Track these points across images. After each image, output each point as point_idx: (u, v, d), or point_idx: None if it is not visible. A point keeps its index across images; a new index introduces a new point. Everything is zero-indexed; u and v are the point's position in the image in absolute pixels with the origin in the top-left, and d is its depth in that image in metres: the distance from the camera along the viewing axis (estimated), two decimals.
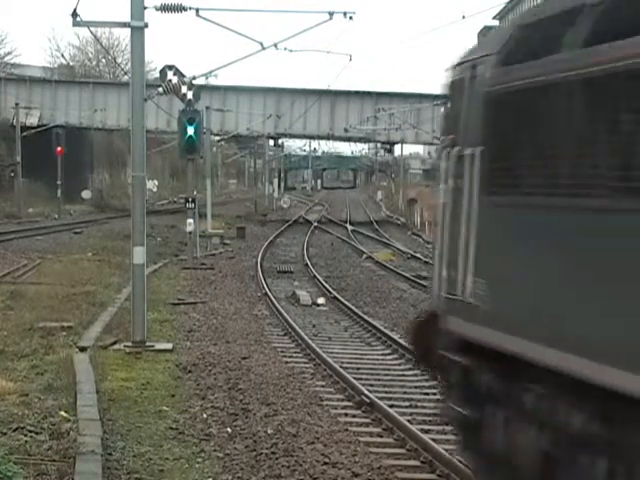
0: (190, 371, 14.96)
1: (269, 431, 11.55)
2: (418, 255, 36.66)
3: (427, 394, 13.77)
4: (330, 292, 25.11)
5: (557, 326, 6.44)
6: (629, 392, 5.55)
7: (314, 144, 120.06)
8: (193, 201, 32.24)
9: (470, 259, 7.94)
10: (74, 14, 16.67)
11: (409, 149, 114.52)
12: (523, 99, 7.10)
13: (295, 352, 17.12)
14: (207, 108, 45.12)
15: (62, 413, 11.36)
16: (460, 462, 9.59)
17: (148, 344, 16.68)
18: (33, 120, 63.64)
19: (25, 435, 10.40)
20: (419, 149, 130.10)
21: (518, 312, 7.11)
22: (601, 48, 6.08)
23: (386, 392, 13.87)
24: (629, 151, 5.76)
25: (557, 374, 6.42)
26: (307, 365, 15.93)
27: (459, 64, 8.54)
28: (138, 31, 16.71)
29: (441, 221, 8.78)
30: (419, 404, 13.23)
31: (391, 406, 12.67)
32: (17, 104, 60.54)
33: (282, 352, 16.97)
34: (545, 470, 6.83)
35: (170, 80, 20.32)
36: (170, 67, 20.91)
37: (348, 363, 15.97)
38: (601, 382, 5.80)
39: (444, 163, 8.63)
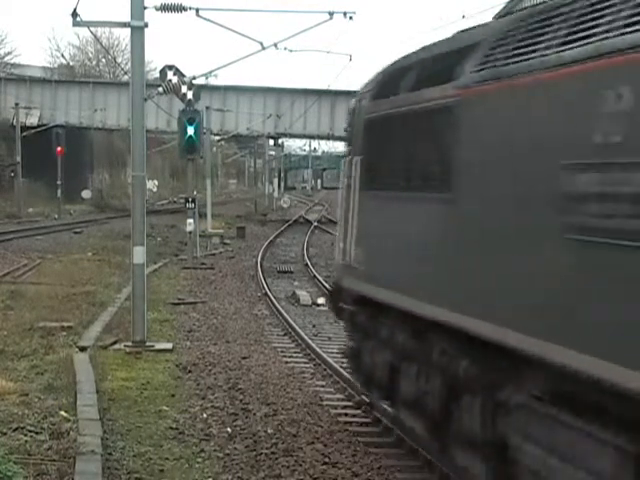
0: (190, 371, 14.96)
1: (269, 431, 11.55)
2: None
3: None
4: None
5: (401, 279, 9.63)
6: (430, 318, 8.73)
7: (314, 144, 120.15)
8: (193, 201, 32.25)
9: (354, 235, 11.15)
10: (74, 14, 16.68)
11: None
12: (381, 125, 10.41)
13: (295, 352, 17.13)
14: (207, 108, 45.15)
15: (62, 413, 11.37)
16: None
17: (148, 344, 16.69)
18: (33, 120, 63.66)
19: (25, 435, 10.40)
20: None
21: (380, 271, 10.30)
22: (417, 93, 9.42)
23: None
24: (431, 161, 8.94)
25: (399, 312, 9.72)
26: (307, 365, 15.94)
27: (355, 97, 11.92)
28: (138, 31, 16.71)
29: (340, 209, 12.10)
30: None
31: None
32: (17, 104, 60.57)
33: (282, 352, 16.98)
34: (390, 376, 10.38)
35: (170, 80, 20.33)
36: (170, 67, 20.91)
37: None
38: (418, 313, 9.09)
39: (344, 167, 12.03)
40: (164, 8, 18.38)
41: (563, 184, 6.57)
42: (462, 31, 9.66)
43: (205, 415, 12.24)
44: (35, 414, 11.27)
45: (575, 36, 6.76)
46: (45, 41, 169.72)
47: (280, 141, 78.32)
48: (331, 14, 21.27)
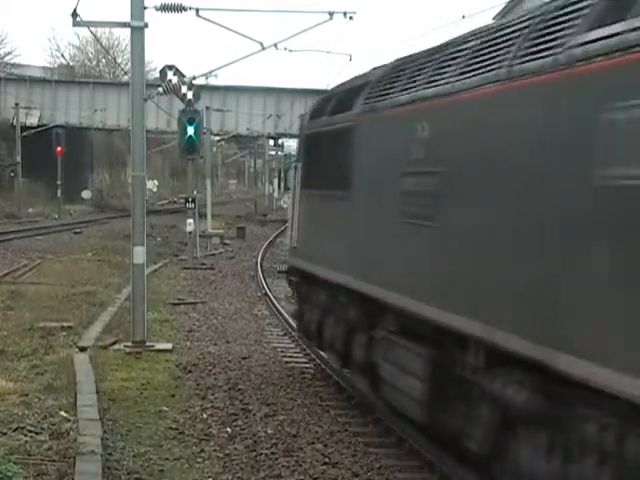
0: (190, 371, 14.96)
1: (269, 431, 11.55)
2: None
3: None
4: None
5: (321, 256, 13.01)
6: (336, 282, 12.19)
7: None
8: (193, 201, 32.26)
9: (296, 222, 14.76)
10: (74, 14, 16.68)
11: None
12: (312, 139, 14.10)
13: (295, 352, 17.13)
14: (207, 108, 45.14)
15: (62, 413, 11.37)
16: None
17: (148, 344, 16.69)
18: (33, 120, 63.66)
19: (25, 435, 10.40)
20: None
21: (310, 251, 13.76)
22: (332, 117, 12.88)
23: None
24: (338, 167, 12.18)
25: (321, 280, 13.08)
26: (307, 365, 15.93)
27: (301, 115, 16.07)
28: (138, 31, 16.72)
29: (290, 204, 16.31)
30: None
31: None
32: (17, 104, 60.56)
33: (282, 352, 16.98)
34: (318, 327, 13.78)
35: (170, 80, 20.32)
36: (170, 67, 20.91)
37: None
38: (332, 280, 12.36)
39: (293, 171, 16.45)
40: (164, 8, 18.39)
41: (401, 185, 9.91)
42: (370, 69, 12.83)
43: (205, 415, 12.24)
44: (35, 414, 11.27)
45: (406, 86, 10.22)
46: (45, 41, 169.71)
47: (280, 141, 78.28)
48: (331, 14, 21.26)
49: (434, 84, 9.34)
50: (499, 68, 7.87)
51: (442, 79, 9.23)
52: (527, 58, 7.43)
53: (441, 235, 8.91)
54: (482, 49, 8.57)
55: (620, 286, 6.09)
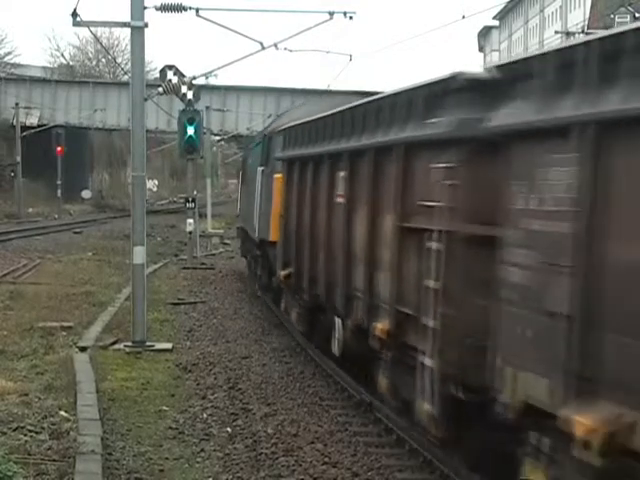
0: (190, 371, 14.96)
1: (269, 431, 11.55)
2: None
3: None
4: None
5: (243, 218, 27.59)
6: (243, 227, 28.73)
7: None
8: (193, 201, 32.26)
9: (238, 201, 32.51)
10: (74, 14, 16.68)
11: None
12: (243, 159, 33.49)
13: (295, 352, 17.11)
14: (207, 108, 45.12)
15: (62, 413, 11.36)
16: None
17: (148, 344, 16.68)
18: (33, 120, 63.66)
19: (25, 435, 10.40)
20: None
21: (240, 215, 29.55)
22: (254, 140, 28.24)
23: None
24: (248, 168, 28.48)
25: (242, 228, 28.11)
26: (307, 365, 15.92)
27: (261, 131, 28.16)
28: (138, 31, 16.71)
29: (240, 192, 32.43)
30: None
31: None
32: (17, 104, 60.57)
33: (282, 352, 16.97)
34: (243, 248, 29.48)
35: (170, 80, 20.30)
36: (170, 67, 20.89)
37: None
38: (242, 226, 28.48)
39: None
40: (164, 8, 18.38)
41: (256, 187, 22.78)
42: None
43: (205, 415, 12.24)
44: (35, 414, 11.26)
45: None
46: (45, 41, 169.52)
47: None
48: (331, 14, 21.26)
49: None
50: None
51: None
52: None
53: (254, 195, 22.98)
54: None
55: None
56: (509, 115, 7.81)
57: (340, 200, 12.82)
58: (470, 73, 8.91)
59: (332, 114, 13.84)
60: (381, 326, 10.61)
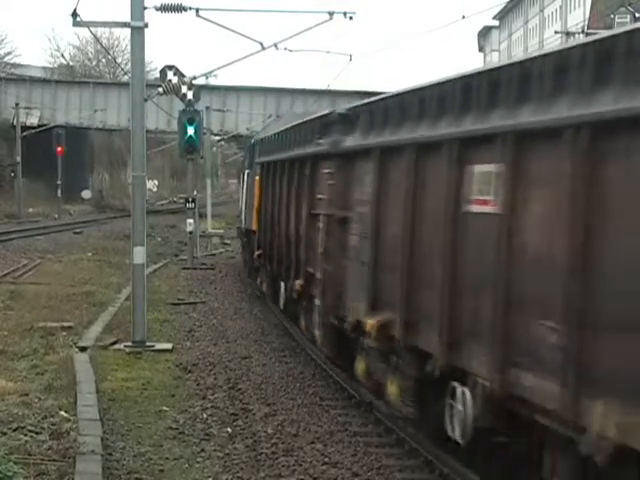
0: (190, 371, 14.96)
1: (269, 431, 11.55)
2: None
3: None
4: None
5: (242, 215, 28.60)
6: (244, 227, 29.37)
7: None
8: (193, 201, 32.27)
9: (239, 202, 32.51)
10: (74, 14, 16.69)
11: None
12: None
13: (295, 352, 17.12)
14: (207, 108, 45.10)
15: (62, 413, 11.37)
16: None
17: (148, 344, 16.69)
18: (33, 120, 63.66)
19: (25, 435, 10.40)
20: None
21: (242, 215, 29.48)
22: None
23: None
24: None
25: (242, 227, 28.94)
26: (307, 365, 15.93)
27: (248, 139, 38.11)
28: (138, 31, 16.72)
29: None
30: None
31: None
32: (17, 104, 60.57)
33: (282, 352, 16.98)
34: (243, 242, 29.97)
35: (170, 80, 20.30)
36: (170, 67, 20.88)
37: None
38: (242, 226, 29.54)
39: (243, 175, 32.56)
40: (164, 8, 18.39)
41: (245, 187, 27.81)
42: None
43: (205, 415, 12.24)
44: (35, 414, 11.27)
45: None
46: (45, 41, 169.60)
47: None
48: (331, 14, 21.28)
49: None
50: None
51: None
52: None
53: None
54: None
55: None
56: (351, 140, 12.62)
57: (284, 197, 17.54)
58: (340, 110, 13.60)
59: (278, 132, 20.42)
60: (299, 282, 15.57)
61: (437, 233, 9.25)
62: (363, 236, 11.65)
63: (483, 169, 8.47)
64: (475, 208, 8.61)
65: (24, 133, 59.64)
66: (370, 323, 10.90)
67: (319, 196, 14.08)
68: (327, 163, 13.52)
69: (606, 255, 6.64)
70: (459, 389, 8.95)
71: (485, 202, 8.38)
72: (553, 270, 7.14)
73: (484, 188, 8.44)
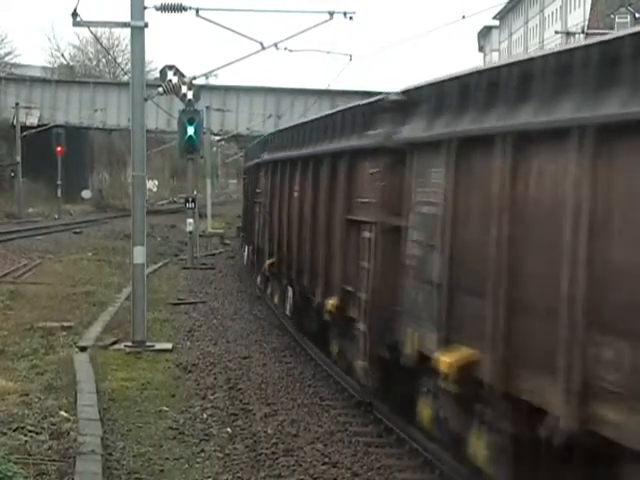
0: (190, 371, 14.96)
1: (269, 431, 11.55)
2: None
3: None
4: None
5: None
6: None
7: None
8: (193, 201, 32.27)
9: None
10: (74, 14, 16.69)
11: None
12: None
13: (295, 352, 17.11)
14: (207, 108, 45.12)
15: (62, 413, 11.37)
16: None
17: (148, 344, 16.68)
18: (33, 120, 63.61)
19: (25, 435, 10.40)
20: None
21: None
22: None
23: None
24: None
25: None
26: (307, 365, 15.93)
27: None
28: (138, 31, 16.71)
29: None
30: None
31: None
32: (17, 104, 60.54)
33: (282, 352, 16.97)
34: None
35: (170, 80, 20.29)
36: (170, 67, 20.88)
37: None
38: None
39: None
40: (164, 8, 18.38)
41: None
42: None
43: (205, 415, 12.24)
44: (35, 414, 11.26)
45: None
46: (45, 41, 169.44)
47: None
48: (331, 14, 21.26)
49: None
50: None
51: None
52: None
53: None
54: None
55: None
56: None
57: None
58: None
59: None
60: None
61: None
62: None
63: None
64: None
65: (24, 133, 59.62)
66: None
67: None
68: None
69: None
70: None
71: None
72: None
73: None
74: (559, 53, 7.64)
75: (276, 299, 19.90)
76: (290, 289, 17.64)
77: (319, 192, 14.69)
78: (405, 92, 10.98)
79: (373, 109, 11.96)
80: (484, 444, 8.22)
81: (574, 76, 7.17)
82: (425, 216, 9.66)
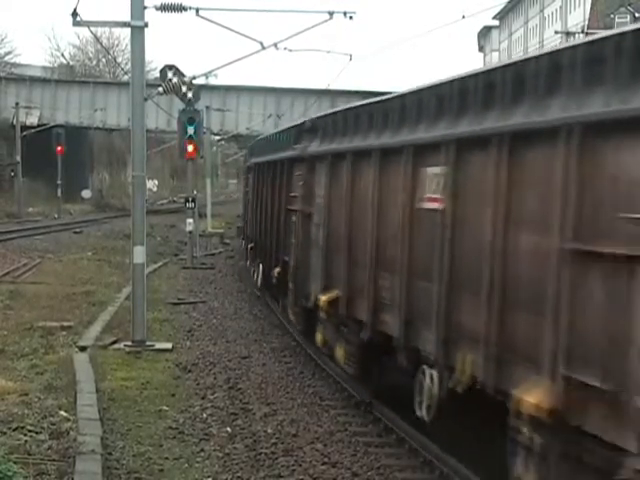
0: (190, 371, 14.96)
1: (269, 431, 11.55)
2: None
3: None
4: None
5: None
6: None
7: None
8: (193, 201, 32.27)
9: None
10: (74, 14, 16.69)
11: None
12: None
13: (295, 352, 17.12)
14: (207, 108, 45.10)
15: (62, 412, 11.37)
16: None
17: (148, 343, 16.68)
18: (33, 120, 63.60)
19: (25, 435, 10.40)
20: None
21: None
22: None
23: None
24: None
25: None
26: (307, 365, 15.93)
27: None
28: (138, 31, 16.71)
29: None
30: None
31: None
32: (17, 104, 60.53)
33: (282, 352, 16.97)
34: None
35: (170, 80, 20.31)
36: (170, 67, 20.90)
37: None
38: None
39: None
40: (164, 8, 18.38)
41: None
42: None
43: (205, 415, 12.24)
44: (35, 414, 11.27)
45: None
46: (45, 41, 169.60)
47: None
48: (331, 14, 21.26)
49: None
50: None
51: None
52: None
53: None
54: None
55: None
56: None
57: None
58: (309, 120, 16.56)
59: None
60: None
61: None
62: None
63: None
64: None
65: (24, 133, 59.62)
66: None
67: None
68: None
69: None
70: None
71: None
72: None
73: None
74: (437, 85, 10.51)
75: (255, 276, 24.30)
76: (260, 265, 22.28)
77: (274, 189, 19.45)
78: (311, 120, 16.34)
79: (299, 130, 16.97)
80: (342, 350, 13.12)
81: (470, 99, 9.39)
82: (319, 205, 14.44)
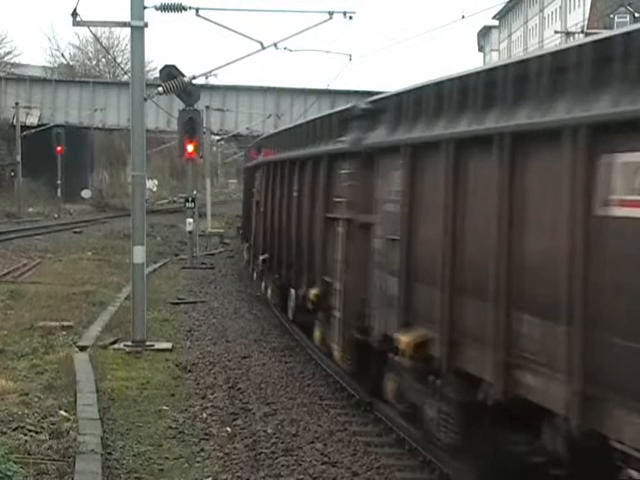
0: (190, 370, 14.96)
1: (269, 430, 11.55)
2: None
3: None
4: None
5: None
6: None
7: None
8: (193, 200, 32.28)
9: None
10: (74, 14, 16.69)
11: None
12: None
13: (295, 352, 17.12)
14: (207, 108, 45.08)
15: (62, 412, 11.37)
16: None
17: (148, 343, 16.69)
18: (33, 120, 63.62)
19: (25, 434, 10.41)
20: None
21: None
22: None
23: None
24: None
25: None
26: (307, 365, 15.93)
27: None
28: (138, 31, 16.72)
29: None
30: None
31: None
32: (17, 104, 60.54)
33: (282, 352, 16.98)
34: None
35: (170, 80, 20.28)
36: (170, 67, 20.88)
37: None
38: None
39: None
40: (164, 8, 18.38)
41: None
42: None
43: (205, 414, 12.24)
44: (35, 414, 11.27)
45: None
46: (45, 41, 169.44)
47: None
48: (331, 14, 21.26)
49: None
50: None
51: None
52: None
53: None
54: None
55: None
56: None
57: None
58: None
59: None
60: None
61: None
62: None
63: None
64: None
65: (24, 133, 59.62)
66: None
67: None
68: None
69: None
70: None
71: None
72: None
73: None
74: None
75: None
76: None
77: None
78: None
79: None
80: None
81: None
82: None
